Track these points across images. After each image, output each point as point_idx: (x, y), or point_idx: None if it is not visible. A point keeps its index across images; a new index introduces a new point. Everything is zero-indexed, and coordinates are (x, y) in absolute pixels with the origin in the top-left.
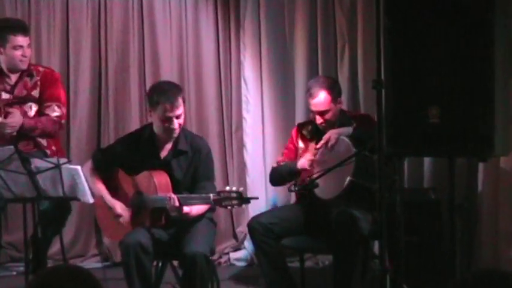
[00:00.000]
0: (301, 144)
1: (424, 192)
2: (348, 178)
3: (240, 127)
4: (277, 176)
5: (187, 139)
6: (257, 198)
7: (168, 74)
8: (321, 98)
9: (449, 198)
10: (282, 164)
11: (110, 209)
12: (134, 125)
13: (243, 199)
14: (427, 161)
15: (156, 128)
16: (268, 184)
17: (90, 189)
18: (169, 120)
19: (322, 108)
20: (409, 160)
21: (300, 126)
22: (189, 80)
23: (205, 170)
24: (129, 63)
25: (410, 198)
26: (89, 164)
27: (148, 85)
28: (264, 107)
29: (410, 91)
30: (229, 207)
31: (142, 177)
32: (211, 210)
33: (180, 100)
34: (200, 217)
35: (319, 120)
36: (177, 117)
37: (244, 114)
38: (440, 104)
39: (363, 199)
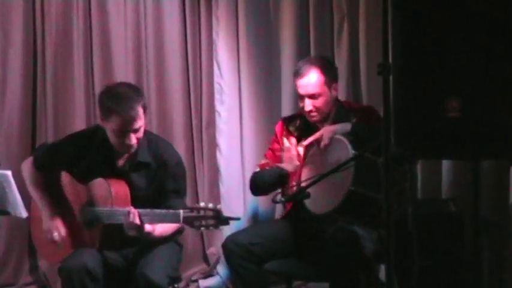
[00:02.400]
0: (286, 144)
1: (442, 204)
2: (347, 187)
3: (211, 123)
4: (260, 183)
5: (151, 147)
6: (238, 219)
7: (121, 56)
8: (311, 77)
9: (474, 211)
10: (266, 168)
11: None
12: (79, 121)
13: (221, 219)
14: (445, 164)
15: (110, 138)
16: (248, 194)
17: (25, 198)
18: (124, 134)
19: (311, 90)
20: (423, 164)
21: (286, 121)
22: (147, 63)
23: (174, 185)
24: (72, 41)
25: (424, 211)
26: (28, 163)
27: (96, 71)
28: (242, 97)
29: (424, 78)
30: (202, 229)
31: (96, 186)
32: (179, 232)
33: (140, 110)
34: (165, 240)
35: (307, 107)
36: (135, 131)
37: (217, 106)
38: (462, 94)
39: (365, 213)
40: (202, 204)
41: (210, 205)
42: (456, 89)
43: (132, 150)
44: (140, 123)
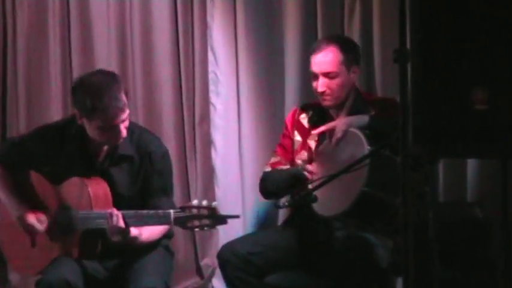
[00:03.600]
0: (297, 137)
1: (468, 209)
2: (360, 188)
3: (206, 117)
4: (272, 187)
5: (133, 138)
6: (238, 216)
7: (104, 43)
8: (328, 54)
9: (503, 217)
10: (277, 168)
11: (22, 227)
12: (55, 112)
13: (218, 217)
14: (471, 164)
15: (91, 134)
16: (247, 198)
17: None
18: (112, 128)
19: (326, 68)
20: (446, 163)
21: (299, 110)
22: (133, 51)
23: (160, 182)
24: (47, 28)
25: (447, 216)
26: None
27: (75, 59)
28: (240, 87)
29: (447, 66)
30: (196, 230)
31: (70, 186)
32: (167, 236)
33: (124, 97)
34: (153, 245)
35: (321, 87)
36: (123, 120)
37: (213, 98)
38: (490, 84)
39: (380, 218)
40: (195, 202)
41: (204, 202)
42: (483, 79)
43: (121, 141)
44: (127, 111)
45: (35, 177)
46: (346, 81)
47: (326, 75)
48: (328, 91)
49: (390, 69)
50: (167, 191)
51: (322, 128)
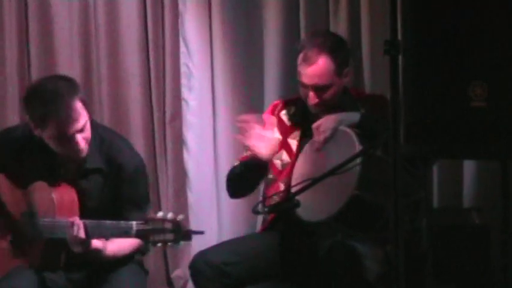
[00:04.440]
0: (276, 135)
1: (464, 214)
2: (350, 191)
3: (177, 114)
4: (237, 178)
5: (103, 148)
6: (202, 232)
7: (65, 34)
8: (320, 66)
9: (503, 223)
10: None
11: None
12: (10, 116)
13: (182, 233)
14: (468, 166)
15: (50, 145)
16: (222, 203)
17: None
18: (67, 139)
19: (320, 82)
20: (441, 165)
21: (280, 106)
22: (97, 42)
23: (131, 195)
24: (3, 9)
25: (442, 223)
26: None
27: (33, 49)
28: (214, 82)
29: (442, 59)
30: (159, 245)
31: (37, 191)
32: (141, 251)
33: (78, 105)
34: (124, 260)
35: (313, 99)
36: (80, 130)
37: (185, 93)
38: (488, 80)
39: (370, 225)
40: (159, 214)
41: (169, 215)
42: (482, 73)
43: (83, 155)
44: (83, 120)
45: (1, 180)
46: (339, 88)
47: (318, 88)
48: (320, 102)
49: (380, 62)
50: (140, 204)
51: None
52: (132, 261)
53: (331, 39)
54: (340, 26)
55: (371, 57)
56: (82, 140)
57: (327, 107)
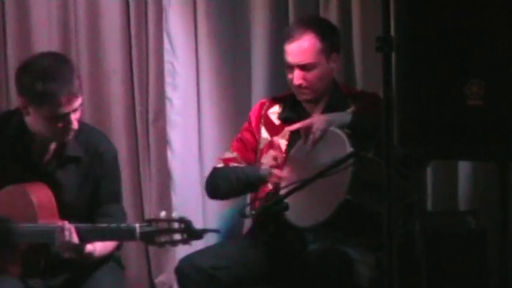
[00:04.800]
0: (264, 135)
1: (460, 218)
2: (341, 195)
3: (161, 114)
4: (221, 183)
5: (80, 137)
6: (218, 231)
7: (43, 28)
8: (305, 42)
9: (501, 227)
10: (232, 165)
11: None
12: None
13: (193, 232)
14: (463, 168)
15: (37, 126)
16: (208, 206)
17: None
18: (63, 118)
19: (304, 59)
20: (435, 167)
21: (268, 104)
22: (77, 37)
23: (112, 186)
24: None
25: (436, 227)
26: None
27: (10, 44)
28: (200, 80)
29: (436, 55)
30: (167, 246)
31: (9, 194)
32: (118, 247)
33: (77, 82)
34: (103, 259)
35: (297, 79)
36: (75, 110)
37: (169, 92)
38: (485, 77)
39: (362, 230)
40: (163, 214)
41: (174, 214)
42: (478, 70)
43: (71, 136)
44: (80, 99)
45: None
46: (326, 72)
47: (303, 66)
48: (305, 84)
49: (372, 59)
50: (118, 196)
51: (296, 126)
52: (111, 259)
53: (320, 20)
54: (330, 20)
55: (362, 54)
56: (75, 120)
57: (314, 92)
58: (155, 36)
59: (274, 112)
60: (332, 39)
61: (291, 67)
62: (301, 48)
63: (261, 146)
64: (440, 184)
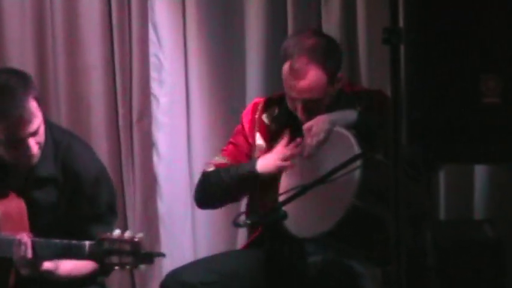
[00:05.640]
0: (259, 141)
1: (475, 227)
2: (348, 200)
3: (146, 113)
4: (214, 187)
5: (59, 153)
6: (163, 255)
7: (16, 17)
8: (311, 80)
9: None
10: (224, 167)
11: None
12: None
13: (141, 256)
14: (479, 172)
15: None
16: (198, 214)
17: None
18: (17, 144)
19: (311, 96)
20: (448, 171)
21: (262, 106)
22: (53, 27)
23: (93, 209)
24: None
25: (450, 237)
26: None
27: None
28: (189, 76)
29: (450, 47)
30: (116, 268)
31: None
32: (103, 271)
33: (33, 105)
34: (83, 282)
35: (302, 114)
36: (33, 134)
37: (155, 88)
38: (502, 73)
39: (368, 240)
40: (116, 232)
41: (127, 234)
42: (496, 65)
43: (34, 161)
44: (37, 122)
45: None
46: (331, 96)
47: (309, 102)
48: (312, 115)
49: (378, 52)
50: (105, 217)
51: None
52: (93, 284)
53: (321, 45)
54: (332, 13)
55: (368, 47)
56: (35, 144)
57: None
58: (139, 27)
59: (269, 115)
60: (335, 62)
61: (294, 99)
62: (305, 87)
63: (256, 153)
64: (454, 190)
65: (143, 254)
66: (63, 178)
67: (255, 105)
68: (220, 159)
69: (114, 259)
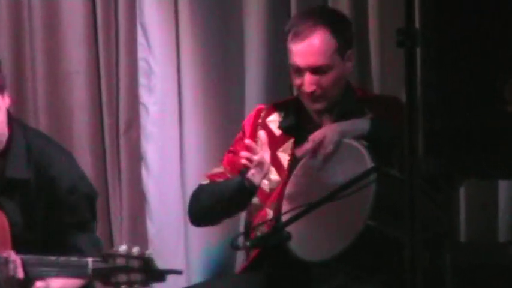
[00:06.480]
0: (262, 135)
1: (500, 250)
2: (361, 221)
3: (134, 122)
4: (207, 201)
5: (32, 155)
6: (180, 272)
7: None
8: (316, 41)
9: None
10: (219, 180)
11: None
12: None
13: (153, 273)
14: (503, 189)
15: None
16: (192, 236)
17: None
18: None
19: (317, 61)
20: (469, 188)
21: (264, 112)
22: (32, 29)
23: (74, 217)
24: None
25: (472, 261)
26: None
27: None
28: (182, 82)
29: (470, 52)
30: (123, 287)
31: None
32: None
33: None
34: None
35: (309, 86)
36: None
37: (144, 96)
38: None
39: (381, 264)
40: (122, 248)
41: (135, 250)
42: None
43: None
44: (5, 98)
45: None
46: (341, 74)
47: (315, 70)
48: (319, 90)
49: (391, 56)
50: (86, 224)
51: (305, 147)
52: None
53: (330, 12)
54: (341, 9)
55: (380, 50)
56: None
57: (328, 100)
58: (126, 28)
59: (273, 120)
60: (346, 33)
61: (300, 71)
62: (312, 48)
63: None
64: (476, 209)
65: (156, 271)
66: (37, 182)
67: (259, 111)
68: (218, 169)
69: (122, 277)
